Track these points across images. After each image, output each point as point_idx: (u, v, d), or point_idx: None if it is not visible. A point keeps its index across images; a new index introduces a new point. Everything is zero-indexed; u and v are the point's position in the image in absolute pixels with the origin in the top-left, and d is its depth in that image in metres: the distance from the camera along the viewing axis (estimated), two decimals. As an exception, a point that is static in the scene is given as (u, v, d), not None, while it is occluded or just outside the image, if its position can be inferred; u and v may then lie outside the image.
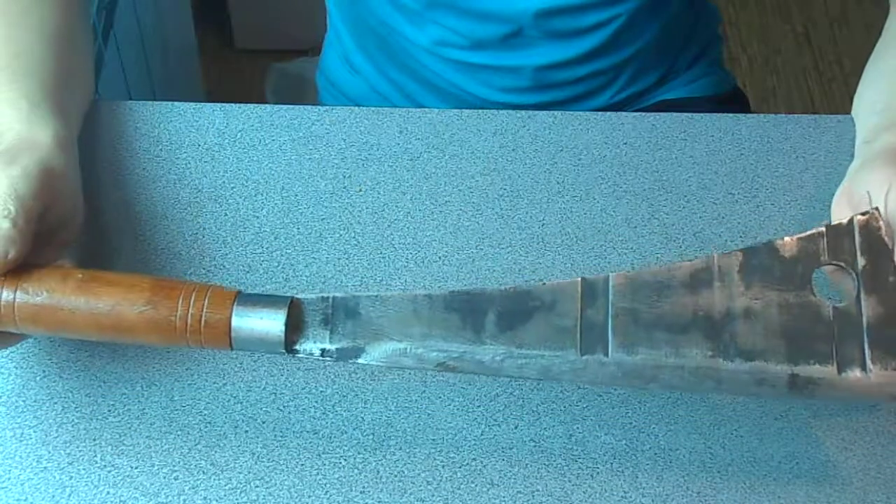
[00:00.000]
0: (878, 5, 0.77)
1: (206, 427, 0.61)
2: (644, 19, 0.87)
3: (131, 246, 0.68)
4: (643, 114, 0.76)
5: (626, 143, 0.74)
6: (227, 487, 0.59)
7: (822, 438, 0.62)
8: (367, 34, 0.93)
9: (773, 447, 0.61)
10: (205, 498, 0.59)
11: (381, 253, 0.68)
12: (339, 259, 0.68)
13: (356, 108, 0.76)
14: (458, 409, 0.62)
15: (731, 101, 0.99)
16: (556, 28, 0.84)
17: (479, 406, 0.62)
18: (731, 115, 0.76)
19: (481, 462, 0.60)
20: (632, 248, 0.69)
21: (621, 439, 0.61)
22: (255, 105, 0.75)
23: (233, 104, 0.75)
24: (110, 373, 0.63)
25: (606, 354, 0.54)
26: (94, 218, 0.68)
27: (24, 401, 0.62)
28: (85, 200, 0.64)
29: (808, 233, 0.56)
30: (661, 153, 0.73)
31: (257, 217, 0.69)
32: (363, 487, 0.59)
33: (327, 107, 0.77)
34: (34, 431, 0.61)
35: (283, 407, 0.62)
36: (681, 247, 0.69)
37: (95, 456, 0.60)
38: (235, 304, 0.54)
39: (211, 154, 0.72)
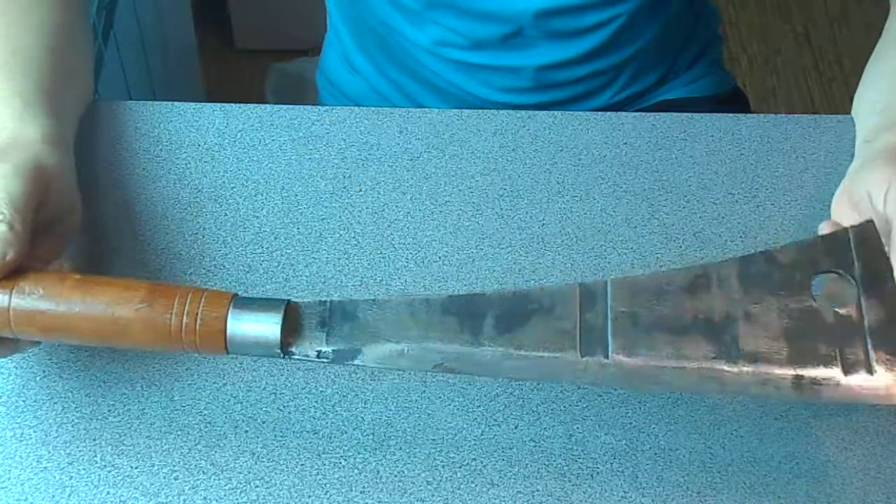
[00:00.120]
0: (878, 5, 0.77)
1: (206, 427, 0.61)
2: (644, 19, 0.87)
3: (131, 246, 0.68)
4: (643, 114, 0.76)
5: (626, 143, 0.74)
6: (227, 487, 0.59)
7: (822, 438, 0.62)
8: (367, 34, 0.93)
9: (773, 447, 0.61)
10: (205, 498, 0.59)
11: (381, 253, 0.68)
12: (339, 259, 0.68)
13: (356, 108, 0.76)
14: (458, 409, 0.62)
15: (731, 101, 0.99)
16: (556, 28, 0.84)
17: (479, 406, 0.62)
18: (731, 115, 0.76)
19: (481, 462, 0.60)
20: (632, 248, 0.69)
21: (621, 439, 0.61)
22: (255, 105, 0.75)
23: (233, 104, 0.75)
24: (110, 373, 0.63)
25: (606, 356, 0.54)
26: (93, 218, 0.68)
27: (24, 401, 0.62)
28: (85, 201, 0.64)
29: (805, 241, 0.56)
30: (661, 153, 0.73)
31: (257, 217, 0.69)
32: (363, 487, 0.59)
33: (327, 107, 0.77)
34: (34, 431, 0.61)
35: (283, 407, 0.62)
36: (681, 247, 0.69)
37: (95, 456, 0.60)
38: (231, 307, 0.54)
39: (211, 154, 0.72)
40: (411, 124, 0.74)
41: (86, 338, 0.55)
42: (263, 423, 0.61)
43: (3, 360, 0.63)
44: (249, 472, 0.60)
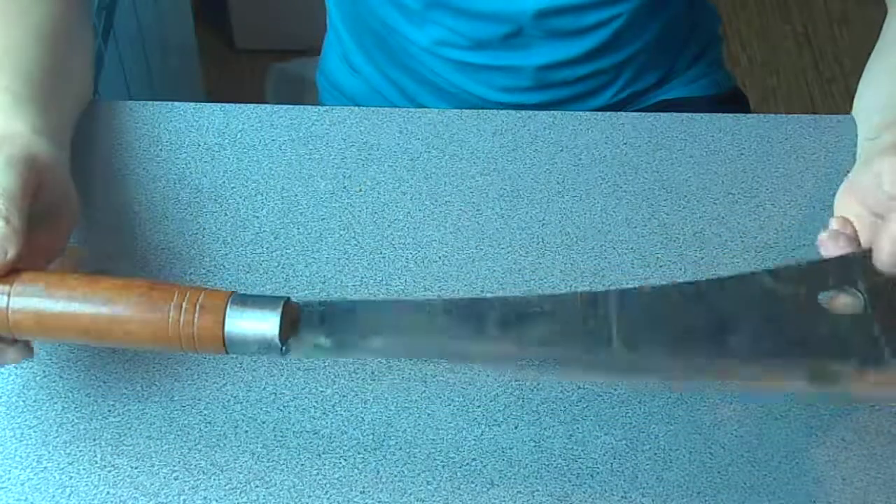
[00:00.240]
0: (879, 5, 0.77)
1: (206, 427, 0.61)
2: (644, 19, 0.87)
3: (131, 246, 0.68)
4: (643, 114, 0.76)
5: (626, 143, 0.74)
6: (227, 487, 0.59)
7: (822, 438, 0.62)
8: (367, 34, 0.93)
9: (773, 447, 0.61)
10: (205, 498, 0.59)
11: (381, 253, 0.68)
12: (339, 259, 0.68)
13: (356, 108, 0.76)
14: (458, 409, 0.62)
15: (731, 101, 0.99)
16: (556, 28, 0.84)
17: (479, 406, 0.62)
18: (731, 115, 0.76)
19: (481, 462, 0.60)
20: (632, 248, 0.69)
21: (621, 439, 0.61)
22: (255, 105, 0.75)
23: (233, 104, 0.75)
24: (110, 373, 0.63)
25: (611, 345, 0.54)
26: (93, 218, 0.68)
27: (24, 401, 0.62)
28: (84, 201, 0.64)
29: (807, 261, 0.58)
30: (661, 153, 0.73)
31: (257, 217, 0.69)
32: (363, 487, 0.59)
33: (327, 107, 0.77)
34: (34, 431, 0.61)
35: (283, 407, 0.62)
36: (681, 247, 0.69)
37: (95, 456, 0.60)
38: (229, 304, 0.54)
39: (211, 154, 0.72)
40: (411, 124, 0.74)
41: (83, 337, 0.55)
42: (263, 423, 0.61)
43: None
44: (249, 472, 0.60)
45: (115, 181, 0.71)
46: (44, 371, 0.63)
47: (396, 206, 0.70)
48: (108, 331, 0.54)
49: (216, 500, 0.59)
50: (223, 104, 0.75)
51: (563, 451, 0.61)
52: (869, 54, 0.75)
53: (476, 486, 0.59)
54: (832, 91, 1.96)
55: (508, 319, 0.55)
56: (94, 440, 0.60)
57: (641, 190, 0.71)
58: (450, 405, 0.62)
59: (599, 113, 0.76)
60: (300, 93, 1.70)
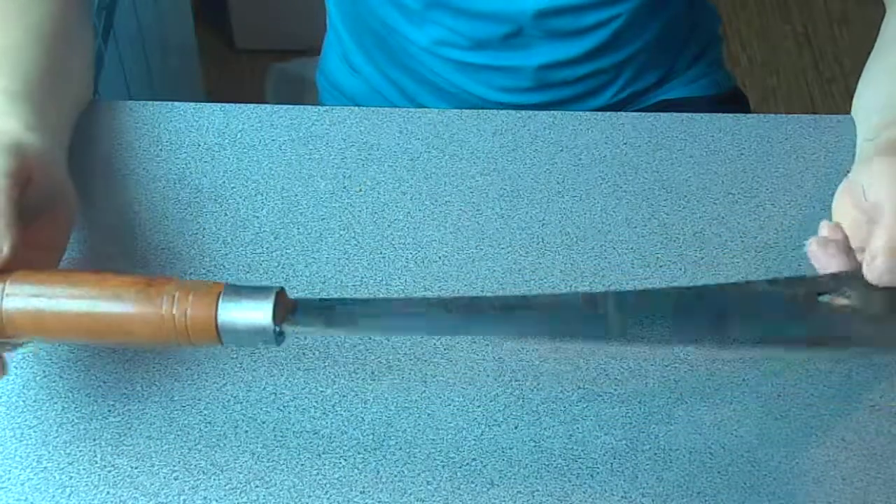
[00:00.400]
0: (879, 5, 0.77)
1: (206, 427, 0.61)
2: (644, 19, 0.87)
3: (131, 246, 0.68)
4: (643, 114, 0.76)
5: (626, 143, 0.74)
6: (227, 487, 0.59)
7: (822, 438, 0.62)
8: (367, 34, 0.93)
9: (773, 447, 0.61)
10: (205, 498, 0.59)
11: (381, 253, 0.68)
12: (339, 259, 0.68)
13: (356, 108, 0.76)
14: (458, 409, 0.62)
15: (731, 101, 0.99)
16: (555, 28, 0.84)
17: (479, 406, 0.62)
18: (731, 115, 0.76)
19: (481, 462, 0.60)
20: (632, 248, 0.69)
21: (621, 439, 0.61)
22: (255, 105, 0.75)
23: (233, 104, 0.75)
24: (110, 373, 0.63)
25: (608, 322, 0.55)
26: (93, 218, 0.68)
27: (24, 401, 0.62)
28: (84, 201, 0.64)
29: (801, 277, 0.60)
30: (661, 153, 0.73)
31: (257, 217, 0.69)
32: (363, 487, 0.59)
33: (327, 107, 0.77)
34: (34, 431, 0.61)
35: (283, 407, 0.62)
36: (681, 247, 0.69)
37: (95, 456, 0.60)
38: (222, 295, 0.53)
39: (211, 154, 0.72)
40: (411, 124, 0.74)
41: (78, 334, 0.54)
42: (263, 423, 0.61)
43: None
44: (249, 472, 0.60)
45: (115, 181, 0.71)
46: (44, 371, 0.63)
47: (396, 206, 0.70)
48: (103, 326, 0.53)
49: (216, 500, 0.59)
50: (223, 104, 0.75)
51: (563, 451, 0.61)
52: (869, 54, 0.75)
53: (476, 486, 0.59)
54: (832, 91, 1.96)
55: (507, 306, 0.56)
56: (94, 440, 0.60)
57: (641, 190, 0.71)
58: (450, 405, 0.62)
59: (599, 113, 0.76)
60: (300, 93, 1.70)
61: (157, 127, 0.74)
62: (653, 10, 0.86)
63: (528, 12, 0.82)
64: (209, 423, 0.61)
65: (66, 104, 0.68)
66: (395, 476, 0.60)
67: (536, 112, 0.75)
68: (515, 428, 0.61)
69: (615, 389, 0.63)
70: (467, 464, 0.60)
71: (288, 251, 0.68)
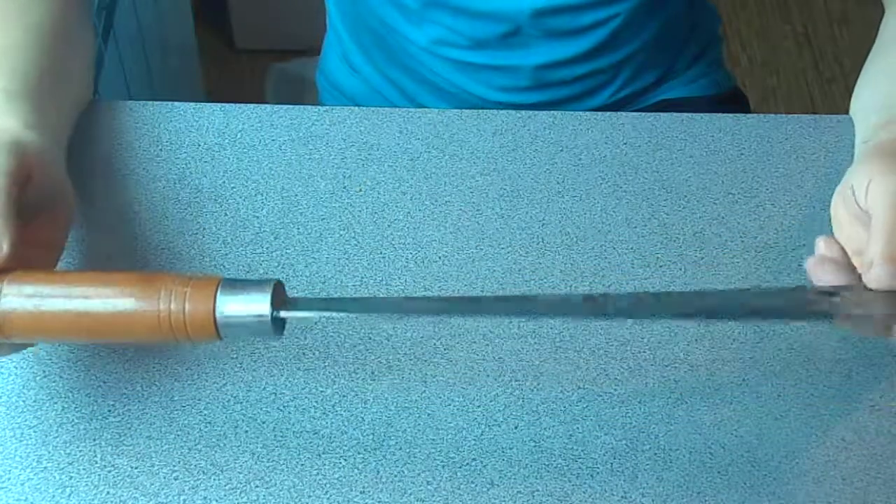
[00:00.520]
0: (878, 5, 0.77)
1: (206, 427, 0.61)
2: (643, 18, 0.87)
3: (131, 246, 0.68)
4: (643, 114, 0.76)
5: (626, 143, 0.74)
6: (227, 487, 0.59)
7: (822, 438, 0.62)
8: (367, 34, 0.93)
9: (773, 447, 0.61)
10: (205, 498, 0.59)
11: (381, 253, 0.68)
12: (339, 259, 0.68)
13: (356, 108, 0.76)
14: (458, 409, 0.62)
15: (731, 101, 0.99)
16: (554, 27, 0.84)
17: (479, 406, 0.62)
18: (731, 115, 0.76)
19: (481, 462, 0.60)
20: (632, 248, 0.69)
21: (621, 439, 0.61)
22: (255, 105, 0.75)
23: (233, 104, 0.75)
24: (110, 373, 0.63)
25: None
26: (93, 218, 0.68)
27: (24, 401, 0.62)
28: (84, 201, 0.64)
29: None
30: (661, 153, 0.73)
31: (257, 217, 0.69)
32: (363, 487, 0.59)
33: (327, 107, 0.77)
34: (34, 431, 0.61)
35: (283, 407, 0.62)
36: (681, 247, 0.69)
37: (95, 456, 0.60)
38: (219, 289, 0.53)
39: (211, 154, 0.72)
40: (411, 124, 0.74)
41: (76, 334, 0.54)
42: (263, 423, 0.61)
43: (2, 359, 0.63)
44: (249, 472, 0.60)
45: (115, 181, 0.71)
46: (44, 371, 0.63)
47: (396, 206, 0.70)
48: (101, 325, 0.53)
49: (216, 500, 0.59)
50: (223, 104, 0.75)
51: (563, 451, 0.61)
52: (868, 54, 0.75)
53: (476, 486, 0.59)
54: (832, 91, 1.96)
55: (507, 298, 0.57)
56: (94, 440, 0.60)
57: (641, 190, 0.71)
58: (450, 405, 0.62)
59: (599, 113, 0.76)
60: (300, 93, 1.70)
61: (157, 127, 0.74)
62: (651, 9, 0.86)
63: (526, 11, 0.82)
64: (209, 423, 0.61)
65: (66, 104, 0.68)
66: (395, 476, 0.60)
67: (536, 112, 0.75)
68: (515, 428, 0.61)
69: (615, 389, 0.63)
70: (467, 464, 0.60)
71: (288, 251, 0.68)
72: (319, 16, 1.03)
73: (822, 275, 0.58)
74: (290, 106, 0.75)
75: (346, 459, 0.60)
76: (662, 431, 0.61)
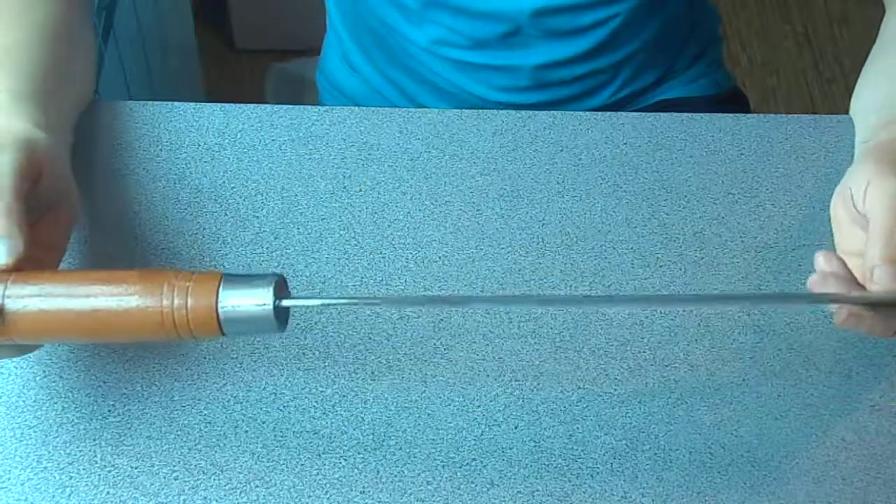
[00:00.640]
0: (879, 5, 0.77)
1: (206, 427, 0.61)
2: (642, 18, 0.87)
3: (131, 246, 0.68)
4: (643, 114, 0.76)
5: (626, 143, 0.74)
6: (227, 487, 0.59)
7: (822, 438, 0.62)
8: (367, 34, 0.93)
9: (773, 447, 0.61)
10: (205, 498, 0.59)
11: (381, 253, 0.68)
12: (339, 259, 0.68)
13: (356, 108, 0.76)
14: (458, 409, 0.62)
15: (731, 101, 0.99)
16: (554, 27, 0.84)
17: (479, 406, 0.62)
18: (730, 115, 0.76)
19: (481, 462, 0.60)
20: (632, 248, 0.69)
21: (621, 439, 0.61)
22: (255, 105, 0.75)
23: (233, 104, 0.75)
24: (110, 373, 0.63)
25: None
26: (93, 218, 0.68)
27: (24, 401, 0.62)
28: (85, 201, 0.64)
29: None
30: (661, 153, 0.73)
31: (257, 217, 0.69)
32: (363, 487, 0.59)
33: (327, 107, 0.77)
34: (34, 431, 0.61)
35: (283, 407, 0.62)
36: (681, 247, 0.69)
37: (95, 456, 0.60)
38: (221, 284, 0.53)
39: (211, 154, 0.72)
40: (411, 124, 0.74)
41: (79, 334, 0.54)
42: (263, 423, 0.61)
43: (2, 361, 0.63)
44: (249, 472, 0.60)
45: (115, 181, 0.71)
46: (44, 371, 0.63)
47: (396, 206, 0.70)
48: (105, 326, 0.53)
49: (216, 500, 0.59)
50: (223, 104, 0.75)
51: (563, 451, 0.61)
52: (868, 54, 0.75)
53: (476, 486, 0.59)
54: (832, 91, 1.96)
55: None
56: (94, 440, 0.60)
57: (641, 190, 0.71)
58: (450, 405, 0.62)
59: (599, 113, 0.76)
60: (300, 93, 1.70)
61: (157, 127, 0.74)
62: (651, 9, 0.86)
63: (526, 11, 0.82)
64: (209, 423, 0.61)
65: (68, 104, 0.69)
66: (395, 476, 0.60)
67: (536, 112, 0.75)
68: (515, 428, 0.61)
69: (615, 389, 0.63)
70: (467, 464, 0.60)
71: (288, 251, 0.68)
72: (319, 16, 1.03)
73: (825, 291, 0.58)
74: (290, 106, 0.75)
75: (346, 459, 0.60)
76: (662, 431, 0.61)
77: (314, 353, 0.64)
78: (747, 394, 0.63)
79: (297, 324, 0.65)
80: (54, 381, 0.63)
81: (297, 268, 0.67)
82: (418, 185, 0.71)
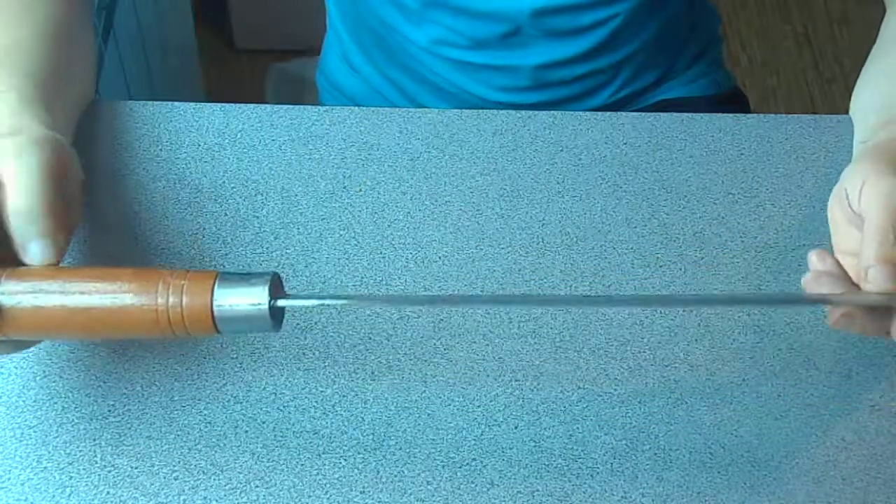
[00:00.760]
0: (879, 5, 0.77)
1: (206, 427, 0.61)
2: (642, 18, 0.87)
3: (131, 246, 0.68)
4: (643, 114, 0.76)
5: (626, 143, 0.74)
6: (227, 487, 0.59)
7: (822, 438, 0.62)
8: (367, 34, 0.93)
9: (773, 447, 0.61)
10: (205, 498, 0.59)
11: (381, 253, 0.68)
12: (339, 259, 0.68)
13: (356, 108, 0.76)
14: (458, 409, 0.62)
15: (731, 101, 0.99)
16: (554, 27, 0.84)
17: (479, 406, 0.62)
18: (730, 115, 0.76)
19: (481, 462, 0.60)
20: (632, 248, 0.69)
21: (621, 439, 0.61)
22: (255, 105, 0.75)
23: (233, 104, 0.75)
24: (110, 373, 0.63)
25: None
26: (93, 218, 0.68)
27: (24, 401, 0.62)
28: (85, 200, 0.64)
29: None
30: (661, 153, 0.73)
31: (257, 217, 0.69)
32: (363, 487, 0.59)
33: (327, 107, 0.77)
34: (34, 431, 0.61)
35: (283, 407, 0.62)
36: (681, 247, 0.69)
37: (95, 456, 0.60)
38: (216, 283, 0.53)
39: (211, 154, 0.72)
40: (411, 124, 0.74)
41: (74, 331, 0.54)
42: (263, 423, 0.61)
43: (2, 360, 0.63)
44: (249, 472, 0.60)
45: (115, 181, 0.71)
46: (44, 371, 0.63)
47: (396, 206, 0.70)
48: (99, 323, 0.53)
49: (216, 500, 0.59)
50: (223, 104, 0.75)
51: (563, 451, 0.61)
52: (868, 54, 0.75)
53: (476, 486, 0.59)
54: (832, 91, 1.96)
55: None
56: (94, 440, 0.60)
57: (641, 190, 0.71)
58: (450, 405, 0.62)
59: (599, 113, 0.76)
60: (300, 93, 1.70)
61: (157, 127, 0.74)
62: (651, 9, 0.86)
63: (526, 11, 0.82)
64: (209, 423, 0.61)
65: (69, 104, 0.69)
66: (395, 476, 0.60)
67: (536, 112, 0.75)
68: (515, 428, 0.61)
69: (615, 389, 0.63)
70: (467, 464, 0.60)
71: (288, 251, 0.68)
72: (319, 16, 1.04)
73: (818, 289, 0.58)
74: (290, 106, 0.75)
75: (346, 459, 0.60)
76: (662, 431, 0.61)
77: (314, 353, 0.64)
78: (747, 394, 0.63)
79: (297, 324, 0.65)
80: (54, 381, 0.63)
81: (297, 268, 0.67)
82: (418, 185, 0.71)
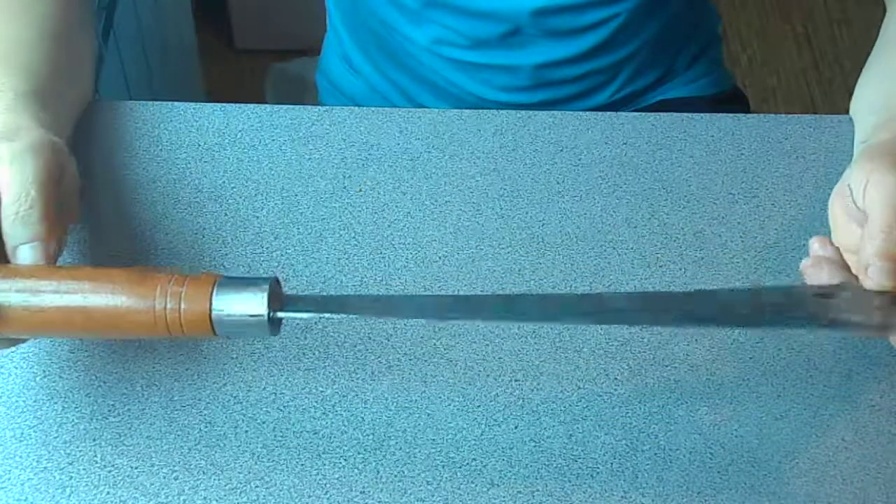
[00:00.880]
0: (879, 5, 0.77)
1: (206, 427, 0.61)
2: (643, 18, 0.87)
3: (131, 246, 0.68)
4: (643, 114, 0.76)
5: (626, 143, 0.74)
6: (227, 487, 0.59)
7: (822, 438, 0.62)
8: (367, 34, 0.93)
9: (773, 447, 0.61)
10: (205, 498, 0.59)
11: (381, 253, 0.68)
12: (339, 259, 0.68)
13: (356, 108, 0.76)
14: (458, 409, 0.62)
15: (731, 100, 0.99)
16: (554, 27, 0.84)
17: (479, 406, 0.62)
18: (730, 115, 0.76)
19: (481, 462, 0.60)
20: (632, 248, 0.69)
21: (621, 439, 0.61)
22: (255, 105, 0.75)
23: (233, 104, 0.75)
24: (110, 373, 0.63)
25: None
26: (93, 218, 0.68)
27: (24, 401, 0.62)
28: (84, 200, 0.64)
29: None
30: (661, 153, 0.73)
31: (257, 217, 0.69)
32: (363, 487, 0.59)
33: (327, 107, 0.77)
34: (34, 431, 0.61)
35: (283, 407, 0.62)
36: (681, 247, 0.69)
37: (95, 456, 0.60)
38: (216, 285, 0.53)
39: (211, 154, 0.72)
40: (411, 124, 0.74)
41: (69, 330, 0.54)
42: (263, 423, 0.61)
43: (2, 359, 0.63)
44: (249, 472, 0.60)
45: (115, 181, 0.71)
46: (44, 371, 0.63)
47: (396, 206, 0.70)
48: (94, 323, 0.53)
49: (216, 500, 0.59)
50: (223, 104, 0.75)
51: (563, 451, 0.61)
52: (869, 54, 0.75)
53: (476, 486, 0.59)
54: (832, 91, 1.96)
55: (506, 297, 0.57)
56: (94, 440, 0.60)
57: (641, 190, 0.71)
58: (450, 405, 0.62)
59: (599, 113, 0.76)
60: (300, 93, 1.70)
61: (157, 127, 0.74)
62: (651, 9, 0.86)
63: (526, 11, 0.82)
64: (209, 423, 0.61)
65: (69, 103, 0.69)
66: (395, 476, 0.60)
67: (536, 112, 0.75)
68: (515, 428, 0.61)
69: (615, 389, 0.63)
70: (467, 464, 0.60)
71: (288, 251, 0.68)
72: (319, 16, 1.04)
73: (817, 275, 0.58)
74: (290, 106, 0.75)
75: (346, 459, 0.60)
76: (662, 431, 0.61)
77: (314, 353, 0.64)
78: (747, 394, 0.63)
79: (297, 324, 0.65)
80: (54, 381, 0.63)
81: (297, 268, 0.67)
82: (418, 185, 0.71)
